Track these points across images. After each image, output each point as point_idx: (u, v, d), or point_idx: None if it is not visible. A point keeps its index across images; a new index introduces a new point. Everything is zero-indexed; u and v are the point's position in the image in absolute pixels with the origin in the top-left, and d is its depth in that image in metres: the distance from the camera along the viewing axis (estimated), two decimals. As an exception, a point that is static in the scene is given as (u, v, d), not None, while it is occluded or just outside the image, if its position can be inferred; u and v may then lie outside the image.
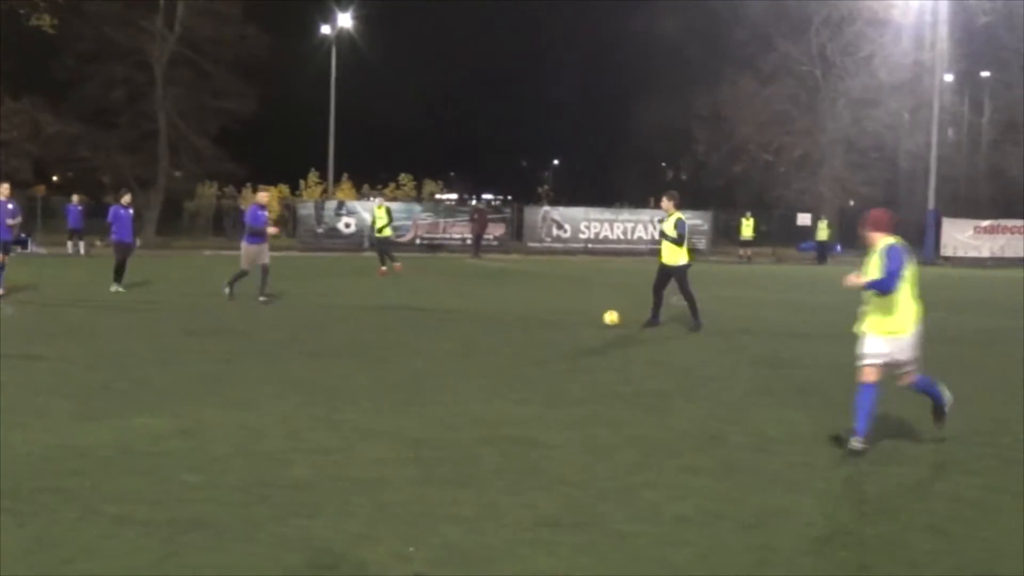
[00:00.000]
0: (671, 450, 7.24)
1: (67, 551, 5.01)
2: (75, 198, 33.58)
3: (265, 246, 16.81)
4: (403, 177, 48.58)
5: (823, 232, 39.19)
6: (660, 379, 10.32)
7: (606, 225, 42.68)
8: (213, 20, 40.74)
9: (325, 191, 45.44)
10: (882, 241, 6.99)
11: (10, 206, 18.07)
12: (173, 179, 43.05)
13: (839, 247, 40.34)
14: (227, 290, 16.72)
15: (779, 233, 45.00)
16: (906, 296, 6.91)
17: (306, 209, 40.49)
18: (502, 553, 5.02)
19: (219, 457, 6.83)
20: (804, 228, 43.15)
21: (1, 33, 37.80)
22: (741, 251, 39.18)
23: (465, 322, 15.24)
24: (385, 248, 25.01)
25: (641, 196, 48.55)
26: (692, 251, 15.43)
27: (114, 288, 18.11)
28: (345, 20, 45.63)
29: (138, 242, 21.81)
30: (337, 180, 46.31)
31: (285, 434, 7.54)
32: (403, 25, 52.78)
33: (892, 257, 6.87)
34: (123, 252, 18.72)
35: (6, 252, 17.75)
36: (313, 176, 47.22)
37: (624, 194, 52.85)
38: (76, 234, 32.10)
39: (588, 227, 42.45)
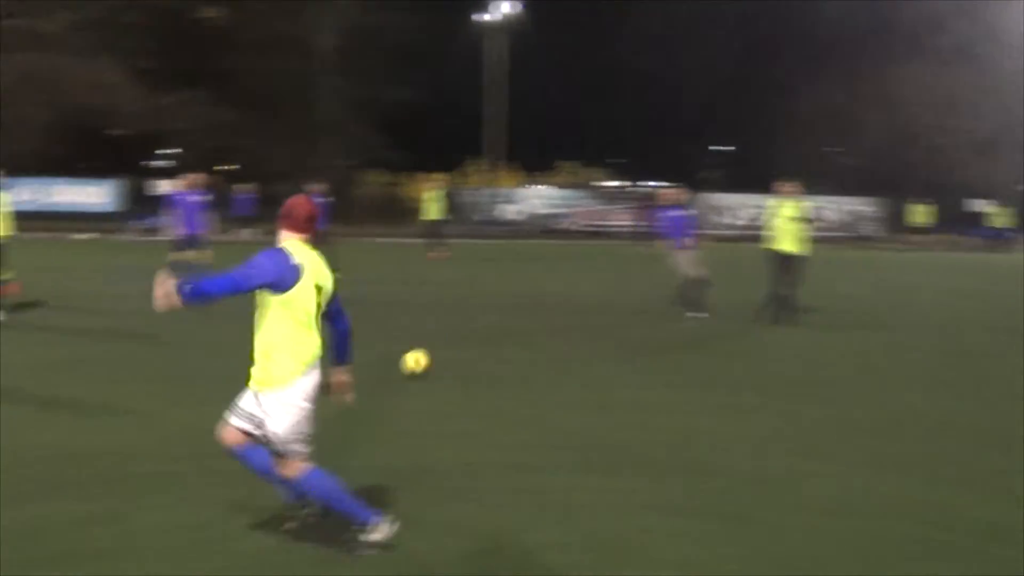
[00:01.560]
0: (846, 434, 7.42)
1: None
2: (243, 187, 35.65)
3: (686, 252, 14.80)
4: (564, 164, 49.80)
5: (999, 218, 38.06)
6: (821, 367, 10.39)
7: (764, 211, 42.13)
8: (376, 10, 42.56)
9: (487, 179, 47.27)
10: None
11: (198, 198, 18.62)
12: (339, 167, 45.03)
13: (1010, 233, 39.19)
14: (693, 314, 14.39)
15: (952, 219, 44.05)
16: None
17: (469, 196, 41.76)
18: (662, 543, 5.17)
19: (374, 439, 7.13)
20: (978, 214, 42.15)
21: (173, 27, 40.98)
22: (913, 238, 38.38)
23: (617, 312, 15.35)
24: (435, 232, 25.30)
25: (803, 182, 48.53)
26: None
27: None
28: (507, 7, 47.10)
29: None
30: (501, 166, 48.00)
31: (439, 417, 7.85)
32: (567, 12, 53.67)
33: None
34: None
35: (194, 247, 18.26)
36: (477, 163, 49.07)
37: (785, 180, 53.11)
38: (245, 221, 33.61)
39: (749, 213, 41.94)
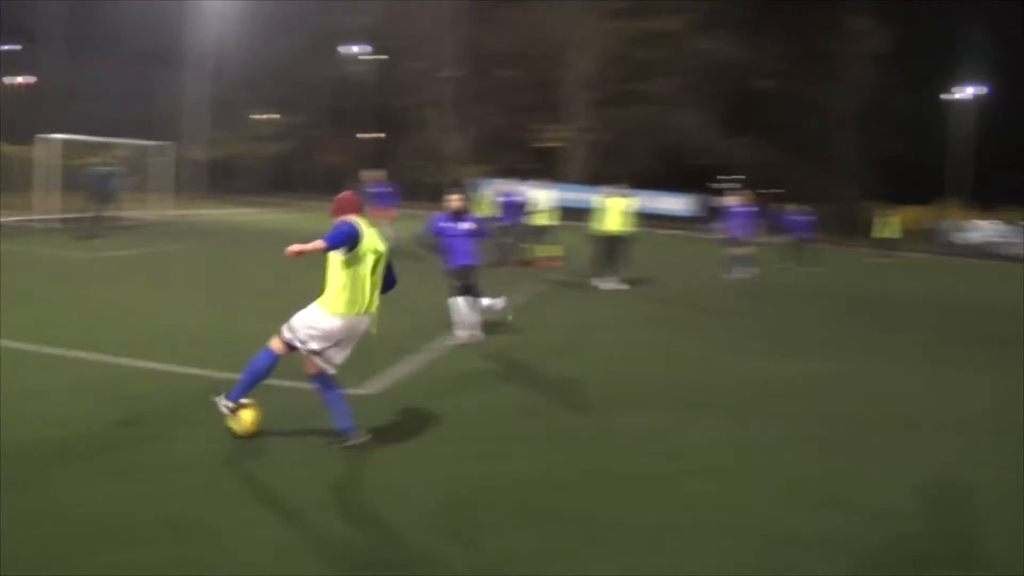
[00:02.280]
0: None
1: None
2: (789, 207, 47.22)
3: None
4: (1006, 207, 56.05)
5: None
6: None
7: None
8: (879, 88, 54.84)
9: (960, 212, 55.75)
10: None
11: (746, 211, 21.95)
12: (848, 197, 58.54)
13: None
14: None
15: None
16: None
17: (935, 225, 51.73)
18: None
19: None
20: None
21: (738, 91, 54.79)
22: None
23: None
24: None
25: None
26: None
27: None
28: (973, 90, 55.81)
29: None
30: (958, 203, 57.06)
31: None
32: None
33: None
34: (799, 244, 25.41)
35: (739, 245, 21.70)
36: (941, 200, 58.33)
37: None
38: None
39: None
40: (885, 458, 7.75)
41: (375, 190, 22.20)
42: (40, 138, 26.47)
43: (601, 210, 18.96)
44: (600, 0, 52.94)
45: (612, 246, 18.87)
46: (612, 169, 51.77)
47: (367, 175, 23.72)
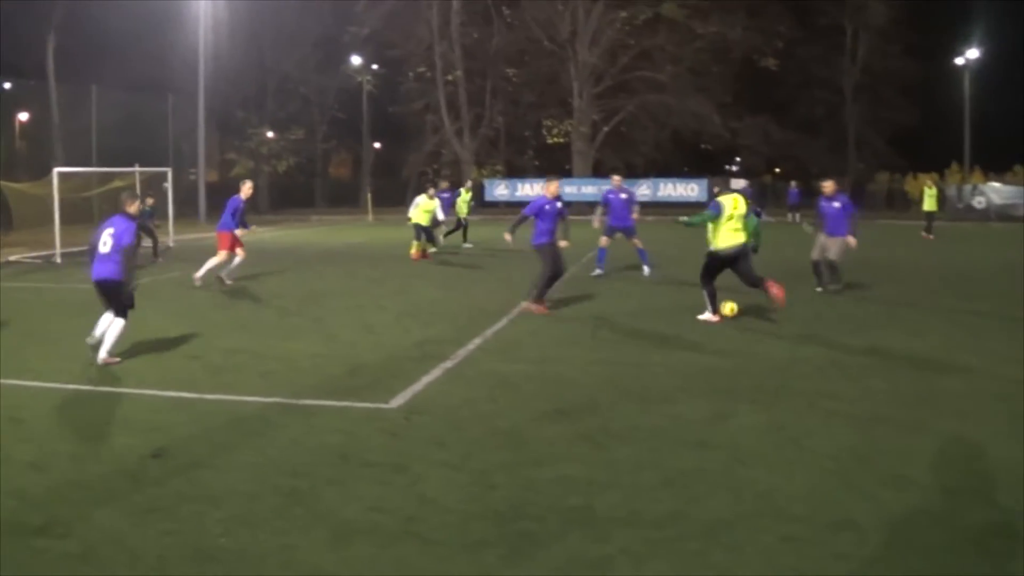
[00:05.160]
0: None
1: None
2: (793, 183, 47.56)
3: None
4: (1018, 167, 56.59)
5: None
6: None
7: None
8: (882, 55, 55.07)
9: (962, 178, 55.68)
10: None
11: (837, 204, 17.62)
12: (858, 169, 58.60)
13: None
14: None
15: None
16: None
17: (950, 191, 51.10)
18: None
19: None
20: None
21: (743, 73, 55.27)
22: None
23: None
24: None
25: None
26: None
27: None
28: (973, 53, 54.92)
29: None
30: (971, 168, 56.58)
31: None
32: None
33: None
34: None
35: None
36: (955, 167, 58.26)
37: None
38: (794, 209, 44.72)
39: None
40: (941, 433, 7.56)
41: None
42: (57, 172, 26.34)
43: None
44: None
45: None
46: (619, 159, 52.59)
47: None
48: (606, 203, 19.32)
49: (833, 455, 6.94)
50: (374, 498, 6.18)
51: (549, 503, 6.07)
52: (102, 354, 10.56)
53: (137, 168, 29.76)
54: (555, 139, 62.37)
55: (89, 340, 10.72)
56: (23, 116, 48.90)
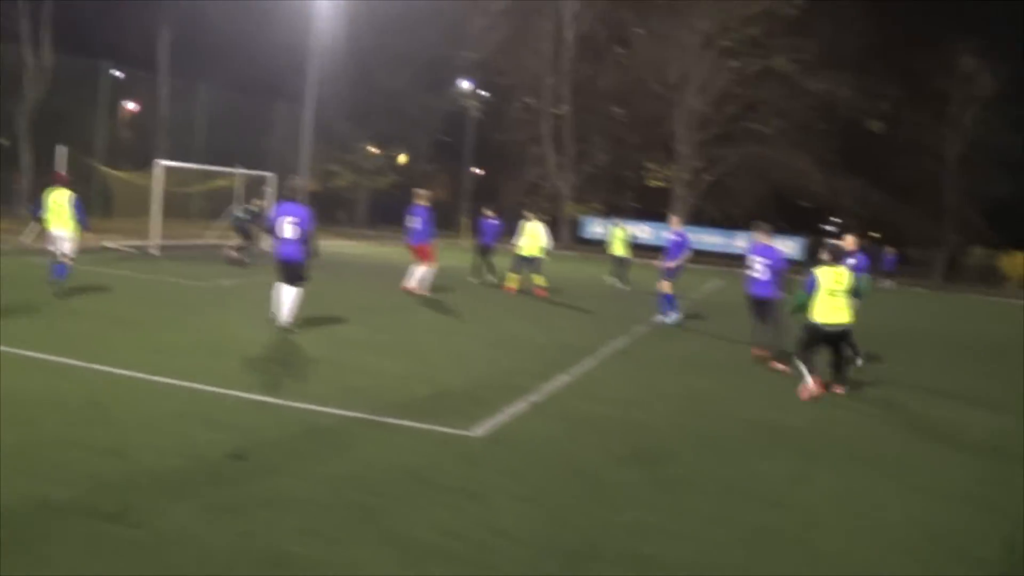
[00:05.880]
0: None
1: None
2: (888, 249, 46.78)
3: None
4: None
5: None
6: None
7: None
8: (987, 128, 53.56)
9: None
10: None
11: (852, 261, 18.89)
12: (953, 241, 57.23)
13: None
14: None
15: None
16: None
17: None
18: None
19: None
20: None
21: (848, 133, 54.36)
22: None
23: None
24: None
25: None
26: None
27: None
28: None
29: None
30: None
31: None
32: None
33: None
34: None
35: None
36: None
37: None
38: (888, 275, 44.12)
39: None
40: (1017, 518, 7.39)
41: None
42: (157, 164, 27.01)
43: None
44: (713, 37, 52.97)
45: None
46: (718, 209, 51.84)
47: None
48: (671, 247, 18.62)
49: (915, 521, 6.99)
50: (446, 523, 6.15)
51: (621, 548, 6.02)
52: (287, 317, 13.26)
53: (241, 169, 30.24)
54: (655, 182, 62.08)
55: (270, 318, 13.47)
56: (132, 106, 49.97)
